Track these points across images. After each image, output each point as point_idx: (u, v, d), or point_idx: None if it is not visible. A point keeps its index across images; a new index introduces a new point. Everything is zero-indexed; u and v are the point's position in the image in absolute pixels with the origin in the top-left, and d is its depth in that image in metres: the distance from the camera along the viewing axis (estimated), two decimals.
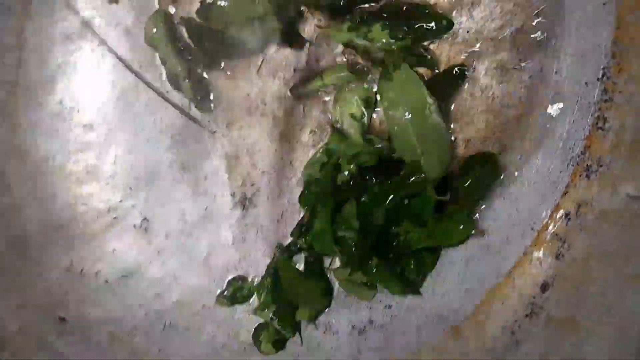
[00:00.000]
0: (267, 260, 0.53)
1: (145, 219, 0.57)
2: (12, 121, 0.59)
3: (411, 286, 0.44)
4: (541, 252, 0.40)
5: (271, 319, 0.50)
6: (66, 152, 0.58)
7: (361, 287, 0.45)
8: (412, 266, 0.43)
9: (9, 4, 0.58)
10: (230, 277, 0.54)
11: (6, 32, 0.58)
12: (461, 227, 0.41)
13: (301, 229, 0.50)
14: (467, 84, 0.43)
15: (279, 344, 0.48)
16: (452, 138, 0.44)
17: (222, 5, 0.48)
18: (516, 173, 0.42)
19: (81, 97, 0.58)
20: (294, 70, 0.50)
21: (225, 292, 0.53)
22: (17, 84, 0.59)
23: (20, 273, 0.58)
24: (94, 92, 0.58)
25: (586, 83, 0.39)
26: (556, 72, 0.40)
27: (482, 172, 0.41)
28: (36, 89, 0.58)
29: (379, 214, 0.42)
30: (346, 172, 0.45)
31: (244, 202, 0.54)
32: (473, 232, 0.41)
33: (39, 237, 0.59)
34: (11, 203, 0.59)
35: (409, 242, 0.43)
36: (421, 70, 0.44)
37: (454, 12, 0.43)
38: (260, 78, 0.52)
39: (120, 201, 0.58)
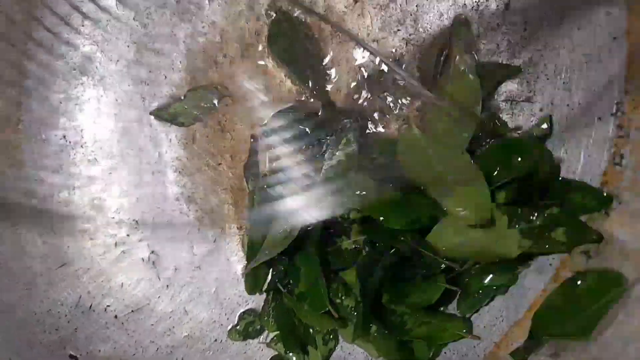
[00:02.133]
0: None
1: (153, 252, 0.55)
2: (16, 157, 0.57)
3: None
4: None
5: (285, 352, 0.48)
6: (71, 187, 0.57)
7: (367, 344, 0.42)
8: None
9: (10, 39, 0.55)
10: (241, 311, 0.52)
11: (7, 68, 0.56)
12: (457, 327, 0.38)
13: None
14: None
15: None
16: None
17: None
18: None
19: (84, 132, 0.56)
20: None
21: (237, 327, 0.51)
22: (20, 120, 0.57)
23: (28, 311, 0.56)
24: (97, 126, 0.56)
25: (600, 118, 0.37)
26: (568, 105, 0.38)
27: (499, 279, 0.39)
28: (39, 125, 0.56)
29: (375, 279, 0.39)
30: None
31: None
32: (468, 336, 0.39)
33: (45, 273, 0.57)
34: (16, 241, 0.57)
35: (404, 324, 0.40)
36: None
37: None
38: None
39: (128, 235, 0.56)
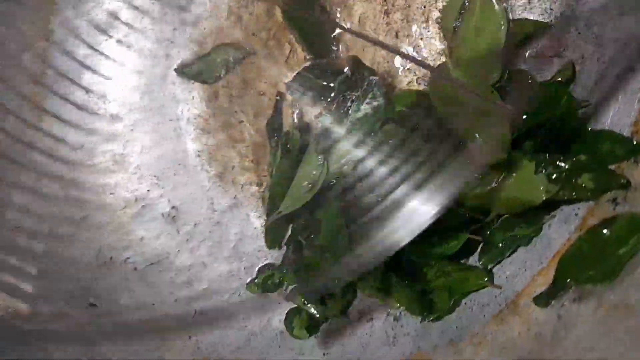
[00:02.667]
0: None
1: (173, 207, 0.56)
2: (39, 112, 0.57)
3: (434, 312, 0.42)
4: None
5: (303, 303, 0.49)
6: (93, 143, 0.57)
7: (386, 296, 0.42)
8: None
9: None
10: (260, 265, 0.52)
11: (33, 24, 0.57)
12: (478, 278, 0.39)
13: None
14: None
15: (313, 328, 0.47)
16: None
17: None
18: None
19: (108, 88, 0.56)
20: None
21: (256, 280, 0.51)
22: (44, 75, 0.57)
23: (50, 261, 0.56)
24: (121, 82, 0.56)
25: (631, 69, 0.37)
26: (598, 59, 0.39)
27: (523, 230, 0.39)
28: (63, 80, 0.57)
29: None
30: None
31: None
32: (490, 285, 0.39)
33: (66, 224, 0.57)
34: (40, 192, 0.57)
35: (425, 275, 0.40)
36: None
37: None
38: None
39: (148, 190, 0.56)
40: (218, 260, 0.54)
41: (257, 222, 0.53)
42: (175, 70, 0.55)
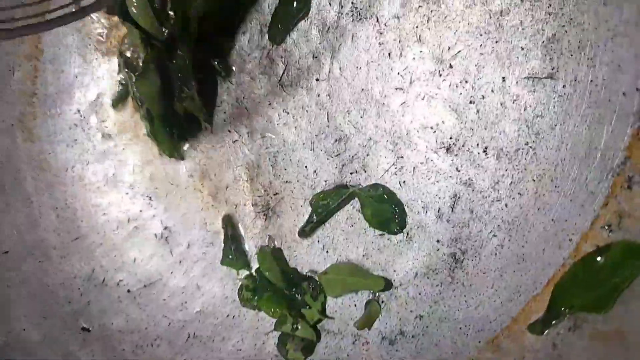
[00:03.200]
0: None
1: (166, 228, 0.55)
2: (31, 131, 0.58)
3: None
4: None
5: (293, 328, 0.49)
6: (85, 162, 0.57)
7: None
8: None
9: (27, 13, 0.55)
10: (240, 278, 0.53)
11: (23, 41, 0.57)
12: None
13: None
14: (497, 94, 0.42)
15: (308, 350, 0.47)
16: (484, 147, 0.43)
17: None
18: (552, 183, 0.40)
19: (99, 107, 0.56)
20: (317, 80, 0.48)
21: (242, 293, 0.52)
22: (35, 94, 0.57)
23: (42, 283, 0.56)
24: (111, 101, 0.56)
25: (624, 93, 0.37)
26: (591, 81, 0.38)
27: None
28: (54, 99, 0.57)
29: None
30: None
31: (267, 212, 0.52)
32: None
33: (59, 247, 0.57)
34: (30, 213, 0.57)
35: None
36: None
37: (483, 22, 0.42)
38: (283, 88, 0.50)
39: (140, 211, 0.56)
40: (212, 281, 0.54)
41: (250, 243, 0.53)
42: None
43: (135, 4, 0.44)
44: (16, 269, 0.56)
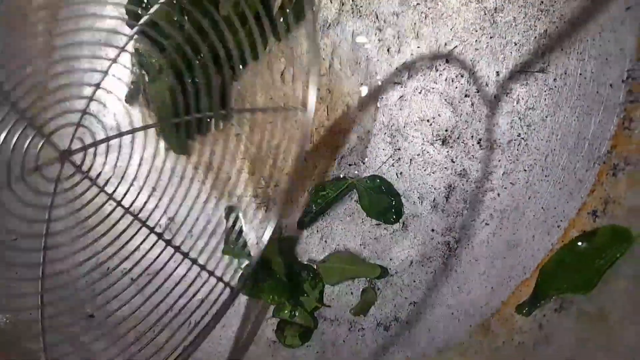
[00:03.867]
0: None
1: (170, 218, 0.57)
2: (41, 125, 0.59)
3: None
4: None
5: (291, 315, 0.50)
6: (92, 155, 0.59)
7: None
8: None
9: (39, 9, 0.58)
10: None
11: (36, 38, 0.59)
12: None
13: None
14: (491, 87, 0.43)
15: (305, 336, 0.48)
16: (478, 139, 0.44)
17: None
18: (542, 172, 0.42)
19: (108, 101, 0.58)
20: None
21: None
22: (46, 89, 0.59)
23: (49, 271, 0.58)
24: (121, 96, 0.58)
25: (611, 85, 0.39)
26: (580, 74, 0.40)
27: None
28: (64, 94, 0.59)
29: None
30: None
31: (268, 203, 0.54)
32: None
33: (64, 235, 0.59)
34: (37, 204, 0.59)
35: None
36: None
37: (478, 19, 0.44)
38: (283, 82, 0.52)
39: (145, 202, 0.58)
40: (217, 270, 0.56)
41: (252, 234, 0.55)
42: None
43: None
44: (23, 258, 0.58)
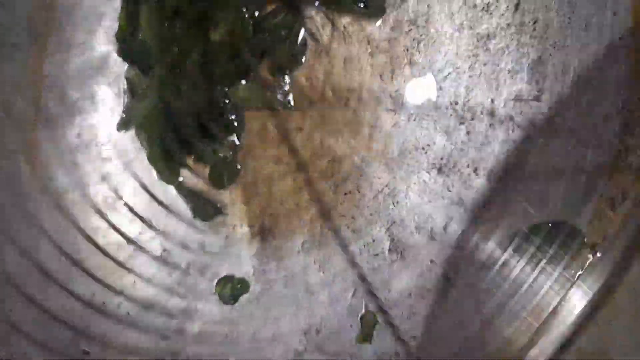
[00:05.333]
0: (289, 292, 0.52)
1: (165, 250, 0.57)
2: (32, 155, 0.59)
3: None
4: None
5: None
6: (85, 185, 0.59)
7: None
8: None
9: (27, 40, 0.58)
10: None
11: (24, 69, 0.59)
12: None
13: None
14: (486, 115, 0.43)
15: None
16: (474, 168, 0.44)
17: None
18: (541, 202, 0.42)
19: (99, 131, 0.58)
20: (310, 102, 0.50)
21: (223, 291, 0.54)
22: (36, 119, 0.59)
23: (43, 307, 0.58)
24: (112, 125, 0.58)
25: (606, 115, 0.39)
26: (576, 104, 0.40)
27: None
28: (55, 124, 0.59)
29: None
30: None
31: (263, 233, 0.53)
32: None
33: (59, 270, 0.59)
34: (31, 237, 0.59)
35: None
36: None
37: (471, 45, 0.44)
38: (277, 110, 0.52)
39: (140, 233, 0.58)
40: (210, 303, 0.56)
41: (248, 266, 0.55)
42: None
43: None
44: (17, 294, 0.58)
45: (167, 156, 0.55)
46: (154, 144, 0.54)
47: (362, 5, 0.47)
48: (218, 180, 0.55)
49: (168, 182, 0.56)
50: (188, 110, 0.51)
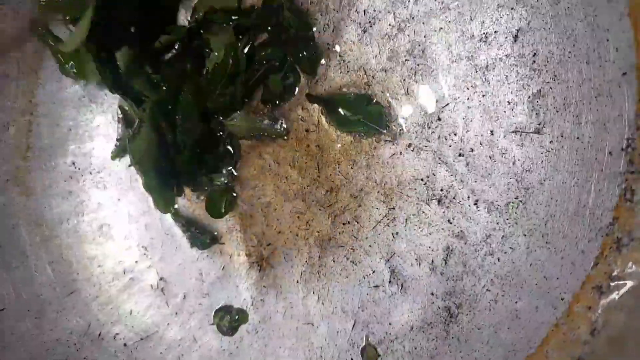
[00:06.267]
0: (288, 323, 0.51)
1: (161, 279, 0.56)
2: (26, 185, 0.58)
3: None
4: (575, 325, 0.38)
5: None
6: (80, 214, 0.57)
7: None
8: None
9: (20, 69, 0.56)
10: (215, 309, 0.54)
11: (18, 97, 0.57)
12: None
13: None
14: (485, 147, 0.42)
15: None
16: (475, 200, 0.43)
17: None
18: (542, 238, 0.40)
19: (93, 159, 0.57)
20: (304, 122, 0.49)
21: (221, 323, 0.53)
22: (30, 148, 0.58)
23: (39, 341, 0.56)
24: (106, 152, 0.56)
25: (610, 152, 0.37)
26: (577, 138, 0.39)
27: None
28: (49, 153, 0.57)
29: None
30: None
31: (261, 263, 0.52)
32: None
33: (54, 301, 0.57)
34: (26, 268, 0.58)
35: None
36: None
37: (469, 76, 0.42)
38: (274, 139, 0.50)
39: (136, 262, 0.56)
40: (208, 333, 0.54)
41: (246, 294, 0.54)
42: None
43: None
44: (13, 327, 0.56)
45: (162, 185, 0.54)
46: (150, 173, 0.52)
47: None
48: (215, 209, 0.54)
49: (164, 211, 0.55)
50: (183, 141, 0.49)
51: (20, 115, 0.58)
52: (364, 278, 0.48)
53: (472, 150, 0.43)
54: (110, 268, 0.57)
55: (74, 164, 0.57)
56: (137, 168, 0.53)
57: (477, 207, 0.43)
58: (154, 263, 0.56)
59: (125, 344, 0.56)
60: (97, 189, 0.57)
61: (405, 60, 0.45)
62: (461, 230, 0.44)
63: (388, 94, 0.46)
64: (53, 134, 0.57)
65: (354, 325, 0.48)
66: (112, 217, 0.57)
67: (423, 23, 0.44)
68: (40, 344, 0.57)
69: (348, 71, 0.47)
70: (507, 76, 0.41)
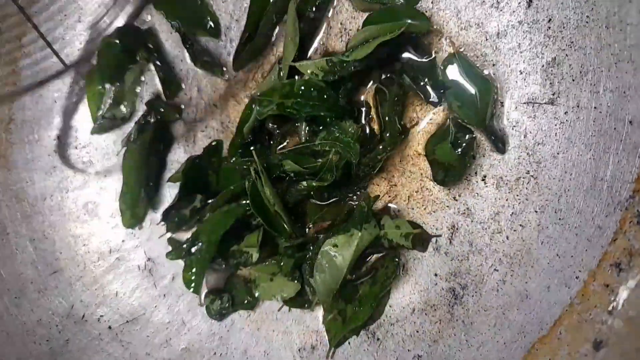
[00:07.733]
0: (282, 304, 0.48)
1: (149, 259, 0.53)
2: (7, 159, 0.55)
3: None
4: (591, 304, 0.36)
5: None
6: (64, 190, 0.54)
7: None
8: None
9: (4, 36, 0.53)
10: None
11: (0, 65, 0.54)
12: None
13: None
14: (495, 119, 0.40)
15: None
16: (483, 175, 0.41)
17: None
18: (555, 214, 0.38)
19: (79, 132, 0.54)
20: None
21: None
22: (12, 120, 0.55)
23: (18, 321, 0.53)
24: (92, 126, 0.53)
25: (630, 122, 0.35)
26: (595, 108, 0.36)
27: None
28: (31, 124, 0.54)
29: None
30: None
31: None
32: None
33: (36, 281, 0.54)
34: (6, 246, 0.54)
35: None
36: None
37: (479, 44, 0.40)
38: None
39: (123, 241, 0.54)
40: (197, 316, 0.51)
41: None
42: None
43: None
44: None
45: (136, 203, 0.52)
46: (131, 187, 0.52)
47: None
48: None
49: (127, 227, 0.53)
50: None
51: (2, 86, 0.55)
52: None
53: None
54: (95, 247, 0.54)
55: (58, 137, 0.54)
56: (123, 174, 0.51)
57: (485, 183, 0.41)
58: (142, 243, 0.53)
59: (110, 327, 0.53)
60: (82, 164, 0.54)
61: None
62: (467, 208, 0.41)
63: None
64: (36, 105, 0.54)
65: None
66: (98, 194, 0.54)
67: None
68: (20, 324, 0.53)
69: None
70: (519, 44, 0.39)
